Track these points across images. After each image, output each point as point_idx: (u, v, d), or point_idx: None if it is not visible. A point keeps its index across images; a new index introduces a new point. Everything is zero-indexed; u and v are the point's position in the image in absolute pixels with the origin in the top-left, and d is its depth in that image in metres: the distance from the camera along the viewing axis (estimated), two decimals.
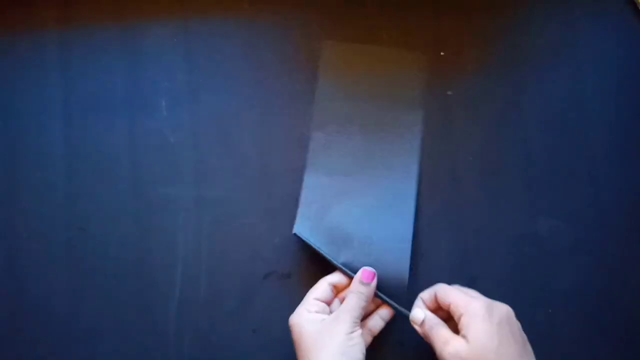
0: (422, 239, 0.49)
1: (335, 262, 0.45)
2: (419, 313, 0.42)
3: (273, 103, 0.51)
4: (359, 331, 0.41)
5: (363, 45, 0.51)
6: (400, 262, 0.46)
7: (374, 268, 0.44)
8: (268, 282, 0.49)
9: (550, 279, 0.49)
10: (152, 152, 0.50)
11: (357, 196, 0.47)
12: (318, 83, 0.50)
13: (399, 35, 0.52)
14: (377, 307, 0.45)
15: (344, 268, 0.44)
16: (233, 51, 0.52)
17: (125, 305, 0.48)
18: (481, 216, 0.50)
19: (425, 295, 0.44)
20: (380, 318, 0.45)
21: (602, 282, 0.49)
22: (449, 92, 0.52)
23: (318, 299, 0.43)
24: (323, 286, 0.44)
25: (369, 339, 0.44)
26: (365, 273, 0.43)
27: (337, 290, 0.45)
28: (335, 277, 0.45)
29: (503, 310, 0.40)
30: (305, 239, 0.45)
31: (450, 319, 0.42)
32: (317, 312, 0.42)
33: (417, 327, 0.43)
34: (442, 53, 0.52)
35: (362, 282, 0.43)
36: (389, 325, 0.45)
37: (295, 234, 0.46)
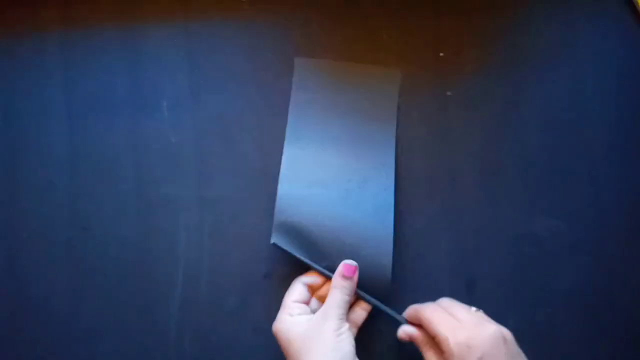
0: (421, 239, 0.49)
1: (316, 266, 0.44)
2: (404, 336, 0.43)
3: (273, 103, 0.51)
4: (346, 326, 0.41)
5: (336, 61, 0.51)
6: (382, 260, 0.45)
7: (358, 260, 0.44)
8: (268, 282, 0.49)
9: (550, 279, 0.49)
10: (153, 152, 0.50)
11: (334, 207, 0.46)
12: (290, 99, 0.49)
13: (399, 35, 0.52)
14: (357, 299, 0.45)
15: (325, 272, 0.44)
16: (233, 51, 0.52)
17: (126, 305, 0.48)
18: (481, 216, 0.50)
19: (410, 314, 0.44)
20: (361, 309, 0.45)
21: (602, 282, 0.49)
22: (449, 93, 0.52)
23: (297, 301, 0.43)
24: (299, 287, 0.44)
25: (355, 332, 0.44)
26: (346, 267, 0.43)
27: (313, 289, 0.45)
28: (309, 277, 0.45)
29: (486, 340, 0.38)
30: (284, 248, 0.45)
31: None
32: (299, 314, 0.42)
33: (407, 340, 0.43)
34: (441, 54, 0.52)
35: (343, 277, 0.43)
36: (387, 326, 0.45)
37: (273, 244, 0.45)
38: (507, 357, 0.38)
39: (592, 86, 0.52)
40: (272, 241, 0.45)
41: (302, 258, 0.45)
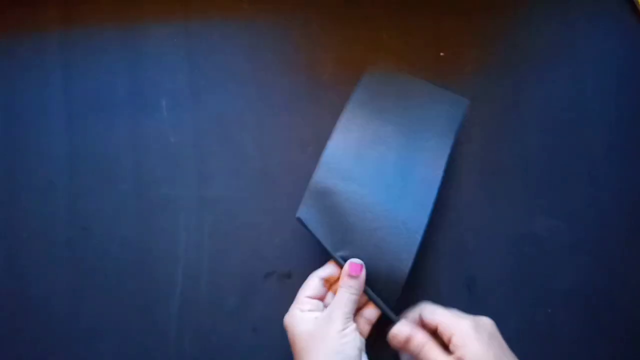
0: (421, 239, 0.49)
1: (333, 253, 0.43)
2: (404, 328, 0.41)
3: (273, 103, 0.51)
4: (352, 326, 0.40)
5: (407, 76, 0.48)
6: (404, 254, 0.42)
7: (377, 257, 0.42)
8: (268, 282, 0.49)
9: (550, 279, 0.49)
10: (153, 152, 0.50)
11: (369, 199, 0.43)
12: (350, 98, 0.46)
13: (399, 35, 0.52)
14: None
15: (338, 259, 0.43)
16: (233, 51, 0.52)
17: (126, 305, 0.48)
18: (481, 216, 0.50)
19: (409, 315, 0.43)
20: (374, 307, 0.44)
21: (602, 282, 0.49)
22: None
23: (310, 297, 0.42)
24: (314, 282, 0.43)
25: (367, 329, 0.43)
26: (352, 266, 0.42)
27: (329, 283, 0.44)
28: (326, 271, 0.43)
29: (488, 325, 0.40)
30: (307, 225, 0.43)
31: (433, 335, 0.41)
32: (310, 310, 0.41)
33: (397, 345, 0.41)
34: (441, 53, 0.52)
35: (350, 276, 0.42)
36: (389, 327, 0.45)
37: (298, 219, 0.43)
38: (504, 342, 0.40)
39: (592, 86, 0.52)
40: (297, 215, 0.43)
41: (322, 241, 0.43)
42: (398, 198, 0.44)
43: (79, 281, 0.48)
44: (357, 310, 0.43)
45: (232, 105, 0.51)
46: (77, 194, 0.50)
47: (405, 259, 0.42)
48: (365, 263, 0.42)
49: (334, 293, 0.43)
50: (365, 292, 0.43)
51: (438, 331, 0.40)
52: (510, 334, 0.40)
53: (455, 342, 0.38)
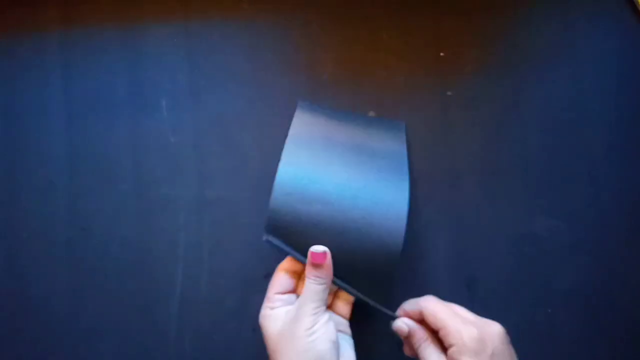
0: (420, 239, 0.49)
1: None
2: (403, 327, 0.40)
3: (273, 103, 0.51)
4: (323, 319, 0.39)
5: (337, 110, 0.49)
6: (391, 246, 0.40)
7: (361, 252, 0.40)
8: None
9: (550, 279, 0.49)
10: (153, 152, 0.50)
11: (337, 192, 0.41)
12: (290, 130, 0.44)
13: (399, 35, 0.52)
14: (338, 290, 0.43)
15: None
16: (233, 51, 0.52)
17: (126, 305, 0.48)
18: (480, 216, 0.50)
19: (409, 306, 0.42)
20: (344, 303, 0.43)
21: (602, 282, 0.49)
22: (449, 93, 0.52)
23: (279, 292, 0.41)
24: (280, 277, 0.41)
25: (347, 309, 0.43)
26: (314, 255, 0.39)
27: (299, 274, 0.42)
28: (289, 263, 0.42)
29: (495, 336, 0.38)
30: (277, 244, 0.41)
31: (431, 333, 0.40)
32: (280, 306, 0.40)
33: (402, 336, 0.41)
34: (441, 54, 0.52)
35: (314, 265, 0.40)
36: (387, 326, 0.45)
37: (266, 241, 0.41)
38: (511, 354, 0.38)
39: (591, 86, 0.52)
40: (264, 238, 0.42)
41: (295, 254, 0.41)
42: (369, 205, 0.41)
43: (79, 281, 0.48)
44: (334, 293, 0.43)
45: (232, 105, 0.51)
46: (77, 194, 0.50)
47: (393, 250, 0.41)
48: (350, 260, 0.41)
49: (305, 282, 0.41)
50: (352, 293, 0.42)
51: (439, 335, 0.39)
52: (510, 334, 0.40)
53: (452, 355, 0.37)
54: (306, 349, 0.38)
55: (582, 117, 0.52)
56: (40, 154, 0.50)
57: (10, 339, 0.48)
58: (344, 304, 0.43)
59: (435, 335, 0.40)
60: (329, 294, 0.41)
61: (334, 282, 0.41)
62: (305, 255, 0.40)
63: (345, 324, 0.42)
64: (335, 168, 0.42)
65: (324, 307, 0.40)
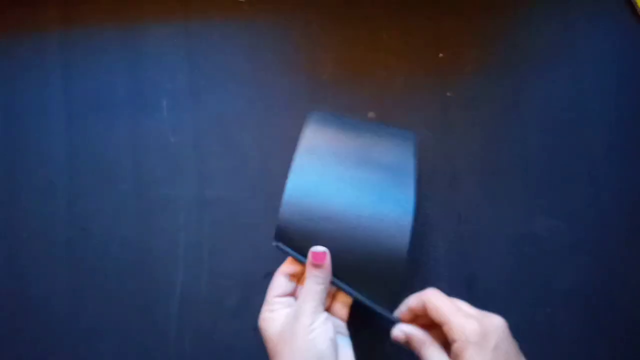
0: (421, 239, 0.49)
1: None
2: (400, 335, 0.41)
3: (273, 103, 0.51)
4: (322, 318, 0.39)
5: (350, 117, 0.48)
6: (397, 241, 0.41)
7: (369, 255, 0.41)
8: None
9: (550, 279, 0.49)
10: (153, 152, 0.50)
11: (343, 211, 0.42)
12: (299, 143, 0.44)
13: (399, 35, 0.52)
14: (337, 291, 0.43)
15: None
16: (233, 51, 0.52)
17: (126, 305, 0.48)
18: (481, 216, 0.50)
19: (413, 301, 0.42)
20: (342, 305, 0.43)
21: (602, 282, 0.49)
22: (449, 93, 0.52)
23: (278, 295, 0.41)
24: (280, 281, 0.42)
25: (345, 311, 0.43)
26: (314, 255, 0.40)
27: (297, 277, 0.43)
28: (289, 267, 0.42)
29: (497, 329, 0.38)
30: (285, 249, 0.42)
31: (435, 326, 0.40)
32: (280, 309, 0.41)
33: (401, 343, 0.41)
34: (440, 54, 0.52)
35: (314, 265, 0.40)
36: (388, 325, 0.45)
37: (276, 246, 0.42)
38: (514, 347, 0.38)
39: (591, 86, 0.52)
40: (274, 244, 0.43)
41: (304, 260, 0.42)
42: (374, 223, 0.42)
43: (79, 281, 0.48)
44: (332, 295, 0.43)
45: (232, 105, 0.51)
46: (77, 194, 0.50)
47: (398, 263, 0.42)
48: (355, 271, 0.42)
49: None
50: (351, 294, 0.42)
51: (443, 329, 0.39)
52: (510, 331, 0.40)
53: (457, 348, 0.37)
54: (306, 348, 0.38)
55: (582, 117, 0.52)
56: (40, 154, 0.50)
57: (10, 339, 0.48)
58: (342, 306, 0.43)
59: (438, 328, 0.40)
60: (327, 296, 0.42)
61: (333, 283, 0.42)
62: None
63: (343, 326, 0.43)
64: (343, 185, 0.43)
65: (322, 307, 0.40)
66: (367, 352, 0.42)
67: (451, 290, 0.48)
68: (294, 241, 0.42)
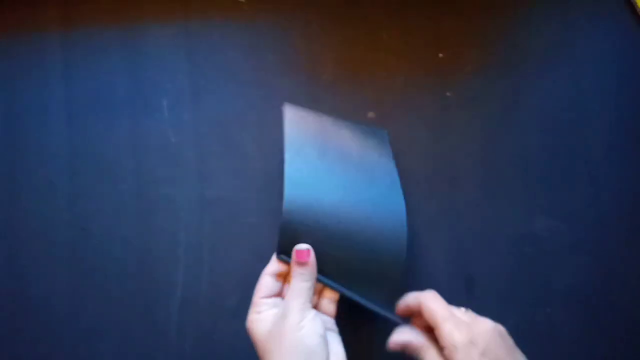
0: (420, 239, 0.49)
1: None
2: (397, 346, 0.41)
3: (273, 103, 0.51)
4: (310, 315, 0.39)
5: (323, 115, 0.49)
6: (395, 251, 0.42)
7: (368, 261, 0.42)
8: None
9: (550, 279, 0.49)
10: (154, 152, 0.50)
11: (337, 216, 0.43)
12: (285, 145, 0.45)
13: (399, 35, 0.52)
14: (324, 288, 0.43)
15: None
16: (234, 52, 0.52)
17: (127, 305, 0.48)
18: (480, 216, 0.50)
19: (411, 300, 0.42)
20: (329, 301, 0.43)
21: (602, 282, 0.49)
22: (448, 93, 0.52)
23: (265, 296, 0.41)
24: (266, 281, 0.41)
25: (332, 307, 0.43)
26: (298, 253, 0.41)
27: (284, 277, 0.43)
28: (275, 266, 0.42)
29: (485, 334, 0.38)
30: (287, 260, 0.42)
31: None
32: (267, 310, 0.40)
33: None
34: (440, 54, 0.52)
35: (298, 263, 0.40)
36: (385, 325, 0.45)
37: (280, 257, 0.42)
38: (506, 350, 0.38)
39: (592, 86, 0.52)
40: (277, 257, 0.43)
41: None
42: (369, 217, 0.43)
43: (79, 281, 0.48)
44: (319, 292, 0.43)
45: (232, 105, 0.51)
46: (78, 194, 0.50)
47: (398, 255, 0.42)
48: (358, 268, 0.42)
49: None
50: (338, 290, 0.42)
51: (435, 333, 0.40)
52: (509, 333, 0.40)
53: (446, 357, 0.38)
54: (295, 345, 0.38)
55: (582, 117, 0.52)
56: (40, 154, 0.50)
57: (10, 339, 0.48)
58: (329, 302, 0.43)
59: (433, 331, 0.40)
60: (314, 294, 0.42)
61: (319, 281, 0.42)
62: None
63: (331, 322, 0.42)
64: (332, 187, 0.44)
65: (310, 305, 0.40)
66: (357, 347, 0.42)
67: (450, 290, 0.48)
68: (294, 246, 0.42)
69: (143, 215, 0.49)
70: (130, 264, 0.49)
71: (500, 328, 0.39)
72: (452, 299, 0.43)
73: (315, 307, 0.43)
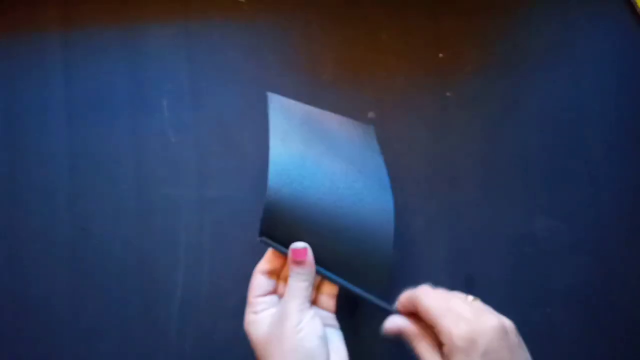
0: (420, 238, 0.49)
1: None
2: (393, 329, 0.40)
3: None
4: (309, 315, 0.38)
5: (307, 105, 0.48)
6: (382, 238, 0.42)
7: (355, 251, 0.41)
8: None
9: (549, 279, 0.49)
10: (154, 152, 0.50)
11: (323, 209, 0.42)
12: (270, 132, 0.43)
13: (399, 35, 0.52)
14: (322, 282, 0.42)
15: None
16: (234, 52, 0.52)
17: (127, 305, 0.48)
18: (480, 216, 0.50)
19: (405, 300, 0.41)
20: (327, 297, 0.42)
21: (601, 282, 0.49)
22: (448, 93, 0.52)
23: (260, 295, 0.40)
24: (259, 280, 0.41)
25: (332, 303, 0.42)
26: (293, 252, 0.39)
27: (277, 274, 0.42)
28: (267, 264, 0.41)
29: (488, 333, 0.36)
30: (272, 244, 0.41)
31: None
32: (264, 309, 0.40)
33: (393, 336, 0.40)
34: (440, 54, 0.52)
35: (295, 262, 0.39)
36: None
37: (261, 241, 0.41)
38: (509, 350, 0.36)
39: (592, 86, 0.52)
40: (258, 239, 0.41)
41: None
42: (356, 205, 0.42)
43: (80, 281, 0.48)
44: (317, 288, 0.42)
45: (232, 105, 0.51)
46: (78, 194, 0.50)
47: (385, 241, 0.42)
48: (344, 257, 0.41)
49: (284, 282, 0.41)
50: (344, 287, 0.41)
51: (434, 330, 0.38)
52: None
53: (445, 352, 0.36)
54: (295, 349, 0.37)
55: (582, 117, 0.52)
56: (40, 154, 0.50)
57: (10, 339, 0.48)
58: (328, 298, 0.42)
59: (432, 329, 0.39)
60: (313, 288, 0.41)
61: (319, 273, 0.41)
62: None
63: (331, 317, 0.42)
64: (318, 174, 0.42)
65: (308, 304, 0.39)
66: (357, 341, 0.42)
67: (450, 290, 0.48)
68: (279, 233, 0.41)
69: (143, 215, 0.49)
70: (130, 264, 0.49)
71: (506, 324, 0.37)
72: None
73: (314, 302, 0.42)
